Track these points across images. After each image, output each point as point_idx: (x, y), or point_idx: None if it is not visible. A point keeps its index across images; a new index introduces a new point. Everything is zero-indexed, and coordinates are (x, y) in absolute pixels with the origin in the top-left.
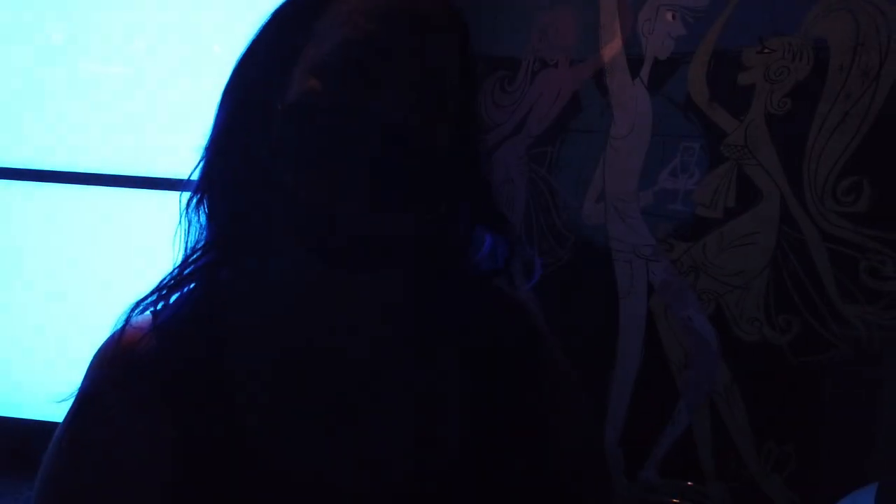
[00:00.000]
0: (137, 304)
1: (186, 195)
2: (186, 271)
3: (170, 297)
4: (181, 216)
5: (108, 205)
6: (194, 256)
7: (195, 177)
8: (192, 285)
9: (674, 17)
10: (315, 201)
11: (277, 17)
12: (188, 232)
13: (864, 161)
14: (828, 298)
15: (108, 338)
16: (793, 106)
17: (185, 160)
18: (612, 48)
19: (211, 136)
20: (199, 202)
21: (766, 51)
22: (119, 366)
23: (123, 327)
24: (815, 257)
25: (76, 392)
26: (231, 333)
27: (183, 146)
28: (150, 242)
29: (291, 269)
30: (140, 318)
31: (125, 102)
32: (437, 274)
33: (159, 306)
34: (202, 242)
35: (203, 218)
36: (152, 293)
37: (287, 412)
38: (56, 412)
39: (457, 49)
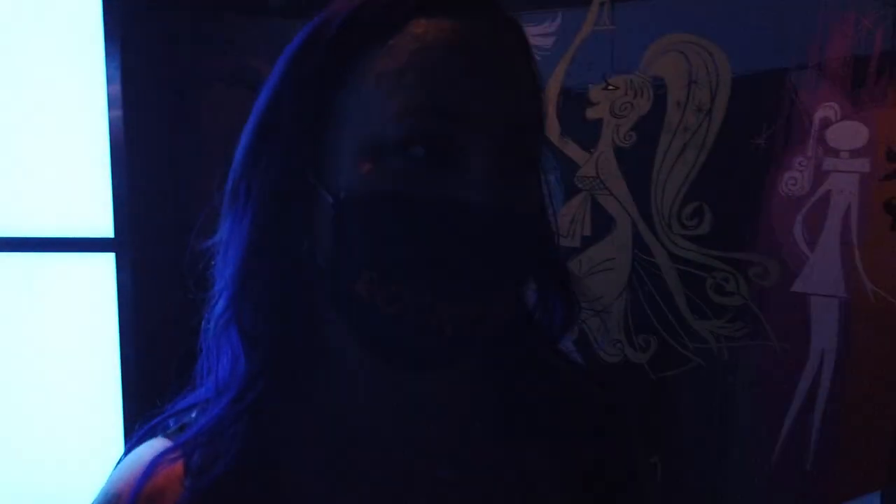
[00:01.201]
0: (165, 452)
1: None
2: (233, 411)
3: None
4: (205, 342)
5: None
6: (236, 394)
7: (218, 289)
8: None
9: None
10: (410, 308)
11: (302, 59)
12: (214, 359)
13: (704, 187)
14: (680, 316)
15: (126, 480)
16: (638, 138)
17: None
18: None
19: (234, 230)
20: (227, 323)
21: (609, 87)
22: None
23: (148, 473)
24: (667, 278)
25: None
26: (297, 482)
27: None
28: None
29: (367, 388)
30: (168, 459)
31: None
32: (523, 364)
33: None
34: (242, 372)
35: (236, 342)
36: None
37: None
38: None
39: (537, 89)
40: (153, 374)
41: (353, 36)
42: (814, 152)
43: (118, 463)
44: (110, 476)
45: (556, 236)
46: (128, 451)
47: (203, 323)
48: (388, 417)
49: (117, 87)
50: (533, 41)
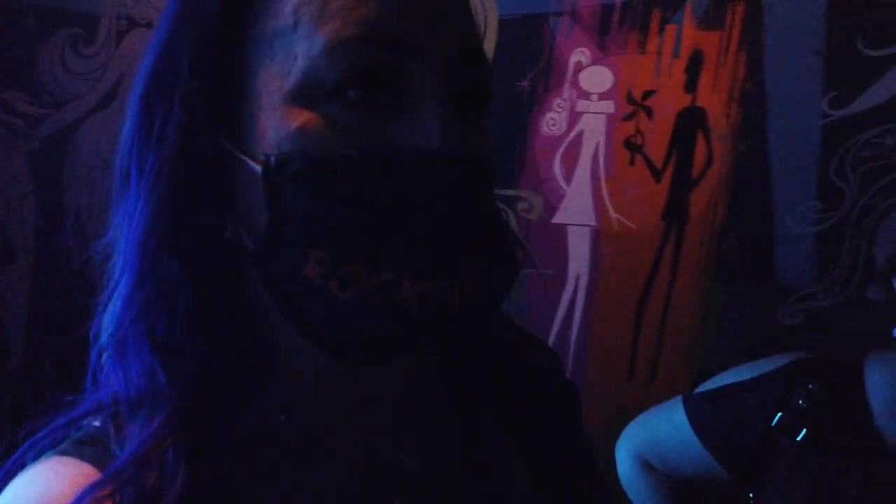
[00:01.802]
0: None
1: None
2: (165, 434)
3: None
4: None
5: None
6: (165, 416)
7: (120, 285)
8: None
9: None
10: (370, 290)
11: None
12: (124, 372)
13: None
14: None
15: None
16: None
17: None
18: None
19: (129, 219)
20: (130, 334)
21: None
22: None
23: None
24: None
25: None
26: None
27: None
28: None
29: (315, 389)
30: (98, 498)
31: None
32: (476, 348)
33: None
34: (163, 387)
35: (147, 354)
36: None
37: None
38: None
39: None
40: None
41: None
42: (569, 95)
43: (8, 488)
44: None
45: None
46: (12, 470)
47: (92, 333)
48: (342, 417)
49: None
50: None
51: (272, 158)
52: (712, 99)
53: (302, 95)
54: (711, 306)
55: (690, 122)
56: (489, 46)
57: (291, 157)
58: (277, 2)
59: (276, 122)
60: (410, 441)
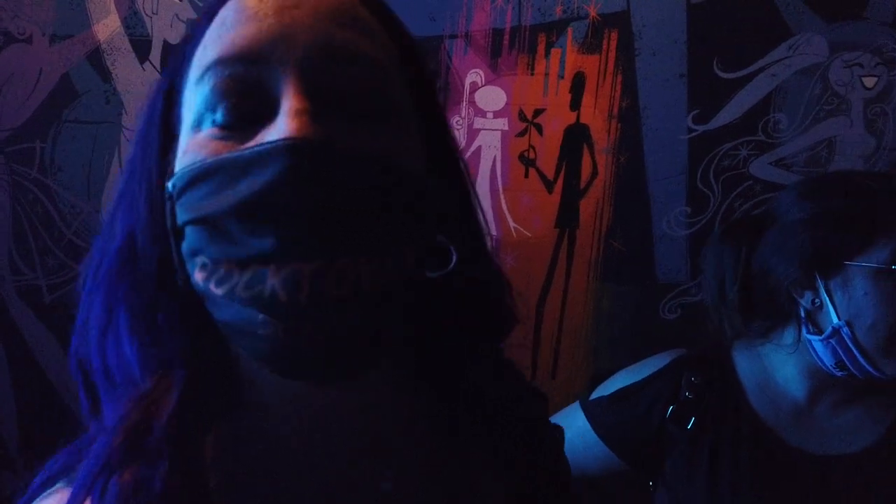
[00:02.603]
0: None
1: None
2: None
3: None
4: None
5: None
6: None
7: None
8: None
9: None
10: (240, 284)
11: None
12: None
13: None
14: None
15: None
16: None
17: None
18: (106, 26)
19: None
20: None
21: None
22: None
23: None
24: None
25: None
26: None
27: None
28: None
29: (276, 401)
30: None
31: None
32: (454, 365)
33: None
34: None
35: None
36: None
37: None
38: None
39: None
40: None
41: (184, 49)
42: (467, 112)
43: None
44: None
45: (470, 211)
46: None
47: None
48: (310, 432)
49: None
50: None
51: (171, 185)
52: (594, 116)
53: (193, 126)
54: (601, 304)
55: (576, 138)
56: None
57: (176, 180)
58: (188, 71)
59: (179, 158)
60: (388, 467)
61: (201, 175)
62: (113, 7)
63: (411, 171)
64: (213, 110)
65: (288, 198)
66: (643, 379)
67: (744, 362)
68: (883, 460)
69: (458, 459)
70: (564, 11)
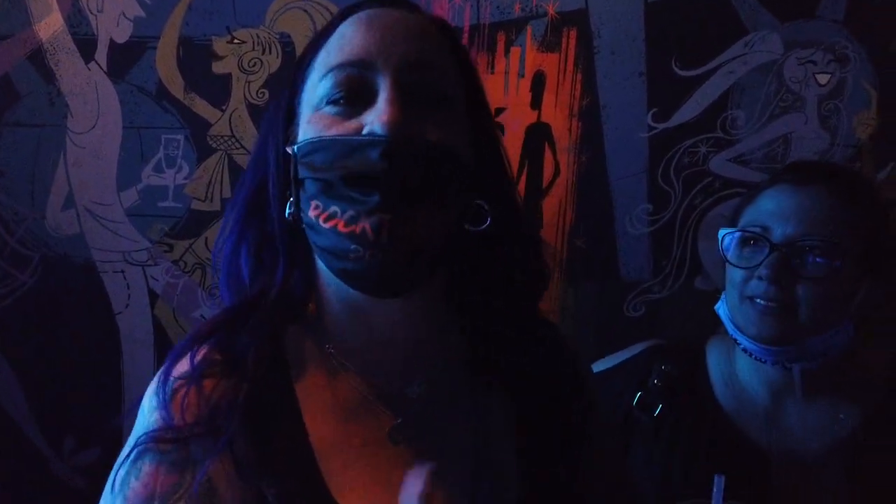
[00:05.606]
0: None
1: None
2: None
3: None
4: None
5: None
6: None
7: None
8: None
9: None
10: (340, 222)
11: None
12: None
13: None
14: None
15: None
16: (270, 96)
17: None
18: (48, 24)
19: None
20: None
21: (235, 41)
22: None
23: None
24: None
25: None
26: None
27: None
28: None
29: (343, 315)
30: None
31: None
32: (482, 295)
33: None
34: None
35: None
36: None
37: (346, 448)
38: None
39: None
40: None
41: (306, 58)
42: None
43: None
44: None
45: (505, 183)
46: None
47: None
48: (365, 340)
49: None
50: None
51: (295, 149)
52: (556, 114)
53: (315, 106)
54: (565, 303)
55: (538, 136)
56: None
57: (301, 146)
58: (312, 68)
59: (303, 124)
60: (418, 375)
61: (320, 147)
62: (55, 5)
63: (460, 153)
64: (332, 96)
65: (379, 173)
66: (617, 364)
67: (715, 356)
68: (847, 460)
69: (477, 379)
70: (523, 9)
